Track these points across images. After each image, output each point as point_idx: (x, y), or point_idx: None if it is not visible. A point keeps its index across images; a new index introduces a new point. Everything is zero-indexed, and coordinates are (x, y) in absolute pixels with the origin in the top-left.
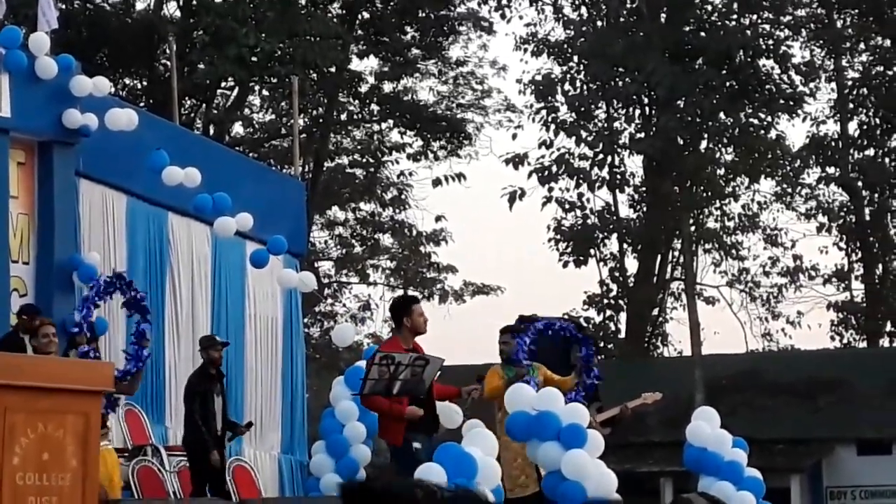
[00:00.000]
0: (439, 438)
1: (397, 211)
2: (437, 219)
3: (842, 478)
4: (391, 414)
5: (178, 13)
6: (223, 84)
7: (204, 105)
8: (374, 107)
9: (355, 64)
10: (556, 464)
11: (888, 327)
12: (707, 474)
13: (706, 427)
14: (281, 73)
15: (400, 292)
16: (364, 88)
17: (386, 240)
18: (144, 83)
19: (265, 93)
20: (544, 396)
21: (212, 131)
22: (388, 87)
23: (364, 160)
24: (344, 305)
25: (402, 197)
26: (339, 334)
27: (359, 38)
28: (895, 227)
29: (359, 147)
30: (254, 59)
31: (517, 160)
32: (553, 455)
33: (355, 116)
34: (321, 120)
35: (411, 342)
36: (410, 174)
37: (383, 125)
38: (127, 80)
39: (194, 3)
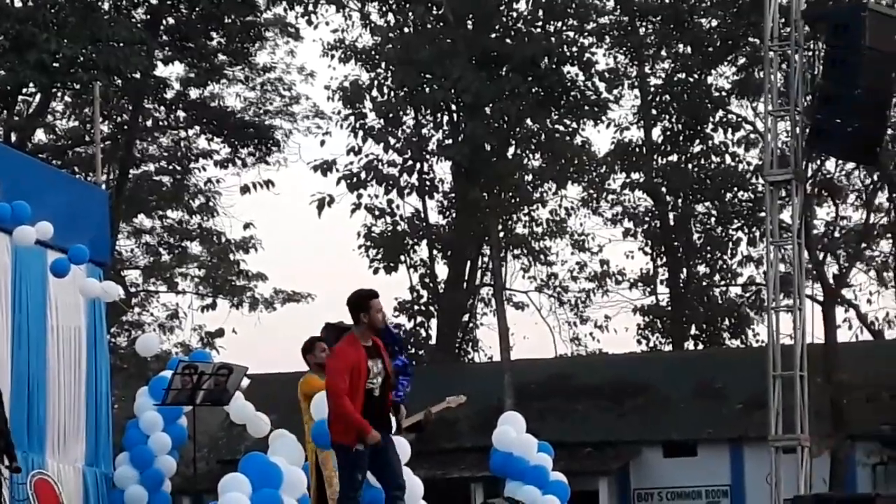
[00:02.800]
0: (249, 448)
1: (205, 218)
2: (246, 226)
3: (648, 479)
4: (357, 426)
5: None
6: (24, 90)
7: (5, 112)
8: (181, 113)
9: (160, 70)
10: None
11: (693, 331)
12: (513, 479)
13: (512, 432)
14: (84, 79)
15: (209, 301)
16: (170, 95)
17: (194, 248)
18: None
19: (68, 99)
20: None
21: (13, 139)
22: (194, 93)
23: (171, 167)
24: (152, 314)
25: (210, 204)
26: (142, 344)
27: (163, 43)
28: (699, 233)
29: (165, 154)
30: (55, 64)
31: (326, 167)
32: None
33: (161, 123)
34: (126, 127)
35: (370, 338)
36: (218, 181)
37: (190, 132)
38: None
39: None
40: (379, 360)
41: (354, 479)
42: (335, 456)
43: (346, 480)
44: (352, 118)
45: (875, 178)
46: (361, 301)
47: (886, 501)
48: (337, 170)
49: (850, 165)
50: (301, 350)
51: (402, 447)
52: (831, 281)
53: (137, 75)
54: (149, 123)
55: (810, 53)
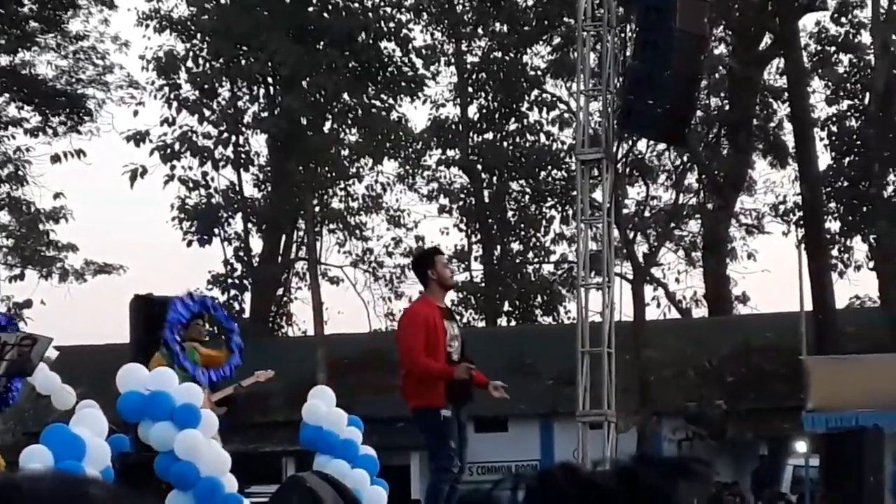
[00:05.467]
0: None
1: (14, 187)
2: (56, 196)
3: None
4: (441, 376)
5: None
6: None
7: None
8: None
9: None
10: (169, 444)
11: (506, 307)
12: (322, 453)
13: (322, 406)
14: None
15: (18, 271)
16: None
17: (3, 217)
18: None
19: None
20: (157, 376)
21: None
22: (4, 60)
23: None
24: None
25: (20, 173)
26: None
27: None
28: (513, 210)
29: None
30: None
31: (139, 137)
32: (166, 435)
33: None
34: None
35: (442, 297)
36: (28, 150)
37: (0, 99)
38: None
39: None
40: (454, 324)
41: (447, 447)
42: (429, 423)
43: (438, 451)
44: (166, 89)
45: (685, 159)
46: (427, 258)
47: None
48: (150, 140)
49: (661, 146)
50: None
51: (210, 421)
52: (641, 260)
53: None
54: None
55: (623, 34)
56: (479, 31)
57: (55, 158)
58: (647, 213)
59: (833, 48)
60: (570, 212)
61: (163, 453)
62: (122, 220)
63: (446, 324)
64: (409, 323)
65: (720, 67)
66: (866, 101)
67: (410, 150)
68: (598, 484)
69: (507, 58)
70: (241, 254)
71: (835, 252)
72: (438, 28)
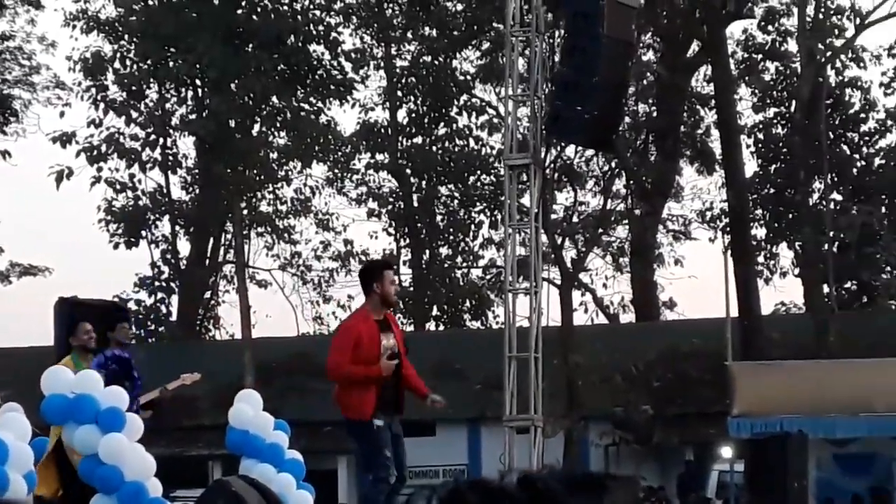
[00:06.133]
0: None
1: None
2: None
3: None
4: (367, 379)
5: None
6: None
7: None
8: None
9: None
10: (94, 448)
11: (435, 312)
12: (249, 456)
13: (248, 410)
14: None
15: None
16: None
17: None
18: None
19: None
20: (83, 379)
21: None
22: None
23: None
24: None
25: None
26: None
27: None
28: (441, 215)
29: None
30: None
31: (65, 139)
32: (90, 439)
33: None
34: None
35: (382, 312)
36: None
37: None
38: None
39: None
40: (391, 336)
41: (381, 456)
42: (360, 433)
43: (373, 460)
44: (93, 90)
45: (613, 165)
46: (374, 271)
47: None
48: (77, 142)
49: (590, 152)
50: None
51: (135, 424)
52: (569, 265)
53: None
54: None
55: (551, 40)
56: (409, 35)
57: None
58: (575, 219)
59: (760, 56)
60: (499, 217)
61: (87, 457)
62: (48, 222)
63: (382, 336)
64: (340, 339)
65: (648, 74)
66: (792, 108)
67: (339, 153)
68: (503, 494)
69: (436, 62)
70: (169, 256)
71: (761, 259)
72: (368, 32)
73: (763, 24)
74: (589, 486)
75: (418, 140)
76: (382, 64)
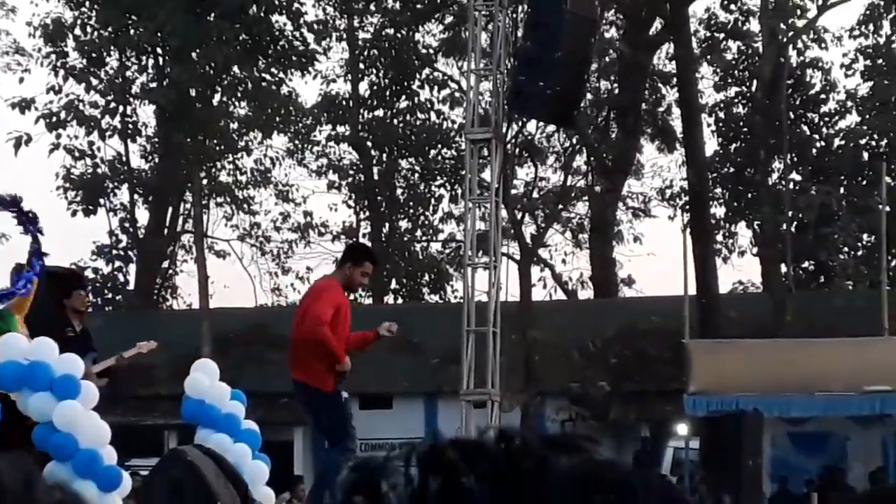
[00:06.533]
0: None
1: None
2: None
3: None
4: (334, 357)
5: None
6: None
7: None
8: None
9: None
10: (48, 415)
11: (393, 285)
12: (205, 426)
13: (205, 379)
14: None
15: None
16: None
17: None
18: None
19: None
20: (38, 346)
21: None
22: None
23: None
24: None
25: None
26: None
27: None
28: (402, 188)
29: None
30: None
31: (24, 105)
32: (45, 406)
33: None
34: None
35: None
36: None
37: None
38: None
39: None
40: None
41: (350, 427)
42: (321, 403)
43: (342, 431)
44: (53, 56)
45: (574, 141)
46: (359, 255)
47: None
48: (36, 108)
49: (551, 128)
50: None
51: (90, 392)
52: (528, 240)
53: None
54: None
55: (514, 15)
56: (372, 7)
57: None
58: (535, 195)
59: (722, 35)
60: (459, 191)
61: (41, 424)
62: (5, 188)
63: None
64: (326, 295)
65: (610, 51)
66: (753, 88)
67: (300, 125)
68: (481, 449)
69: (398, 35)
70: (127, 225)
71: (719, 237)
72: (330, 3)
73: (725, 2)
74: (566, 446)
75: (380, 113)
76: (345, 36)
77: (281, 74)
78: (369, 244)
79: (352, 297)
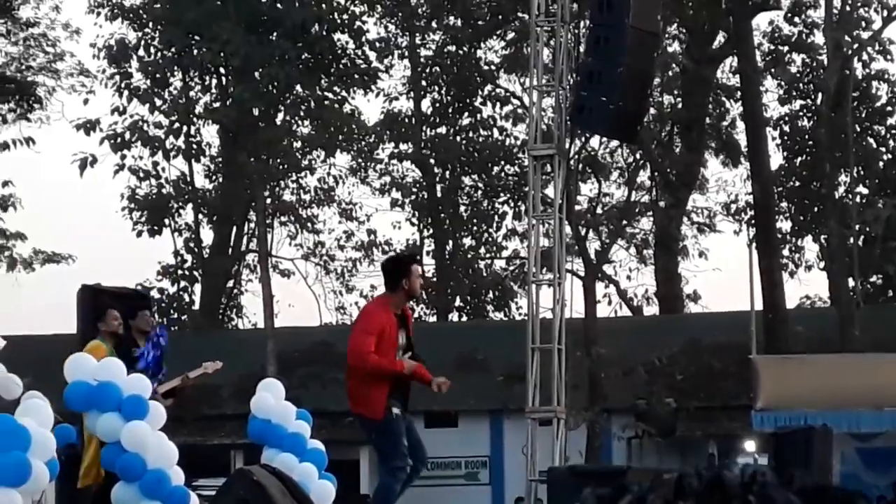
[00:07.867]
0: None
1: None
2: (5, 184)
3: None
4: (393, 374)
5: None
6: None
7: None
8: None
9: None
10: (116, 435)
11: (458, 302)
12: (271, 446)
13: (270, 399)
14: None
15: None
16: None
17: None
18: None
19: None
20: (106, 367)
21: None
22: None
23: None
24: None
25: None
26: None
27: None
28: (465, 205)
29: None
30: None
31: (89, 126)
32: (113, 426)
33: None
34: None
35: (402, 306)
36: None
37: None
38: None
39: None
40: (404, 333)
41: (400, 445)
42: (374, 430)
43: (391, 451)
44: (117, 77)
45: (637, 156)
46: (403, 266)
47: (637, 474)
48: (101, 129)
49: (614, 143)
50: (92, 319)
51: (158, 413)
52: (592, 256)
53: None
54: None
55: (576, 30)
56: (433, 24)
57: (4, 146)
58: (599, 210)
59: (786, 48)
60: (523, 208)
61: (109, 444)
62: (72, 210)
63: (399, 332)
64: (366, 323)
65: (673, 65)
66: (818, 101)
67: (363, 143)
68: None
69: (460, 52)
70: (192, 245)
71: (786, 252)
72: (392, 21)
73: (789, 15)
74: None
75: (442, 130)
76: (407, 53)
77: (343, 93)
78: (403, 251)
79: (416, 314)
